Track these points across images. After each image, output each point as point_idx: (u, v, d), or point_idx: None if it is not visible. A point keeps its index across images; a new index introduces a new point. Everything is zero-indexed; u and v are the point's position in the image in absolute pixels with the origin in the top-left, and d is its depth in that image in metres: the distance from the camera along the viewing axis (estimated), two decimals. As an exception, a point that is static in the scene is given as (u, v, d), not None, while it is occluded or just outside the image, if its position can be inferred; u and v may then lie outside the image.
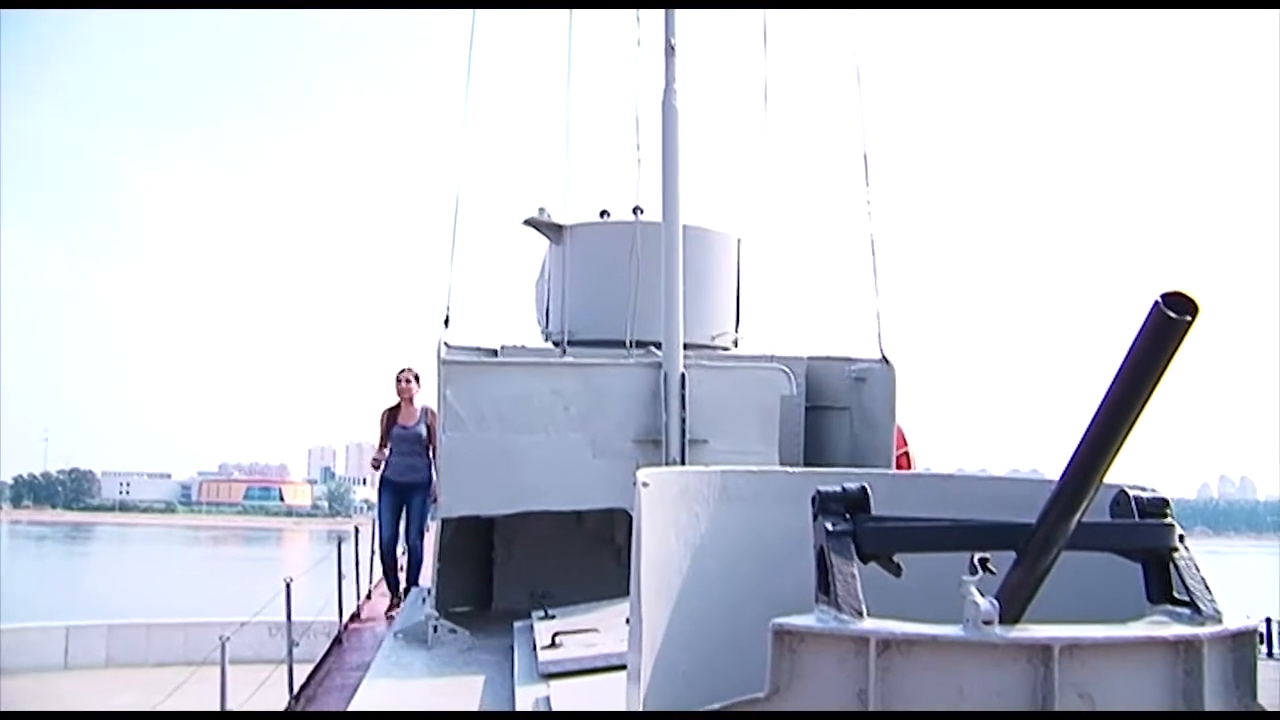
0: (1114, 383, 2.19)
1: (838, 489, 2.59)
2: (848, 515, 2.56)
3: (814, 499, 2.60)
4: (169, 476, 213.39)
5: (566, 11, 10.30)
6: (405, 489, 10.52)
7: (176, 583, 61.15)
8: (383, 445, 10.44)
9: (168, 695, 7.58)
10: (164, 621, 25.21)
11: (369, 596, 12.32)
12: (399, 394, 10.51)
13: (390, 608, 10.38)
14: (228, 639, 6.76)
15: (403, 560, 10.74)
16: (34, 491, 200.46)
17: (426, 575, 9.88)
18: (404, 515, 10.61)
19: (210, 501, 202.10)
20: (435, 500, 10.09)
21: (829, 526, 2.53)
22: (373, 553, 11.48)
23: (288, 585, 8.46)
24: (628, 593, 7.04)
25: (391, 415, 10.54)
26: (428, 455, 10.43)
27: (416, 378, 10.54)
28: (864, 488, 2.59)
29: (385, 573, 10.82)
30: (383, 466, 10.62)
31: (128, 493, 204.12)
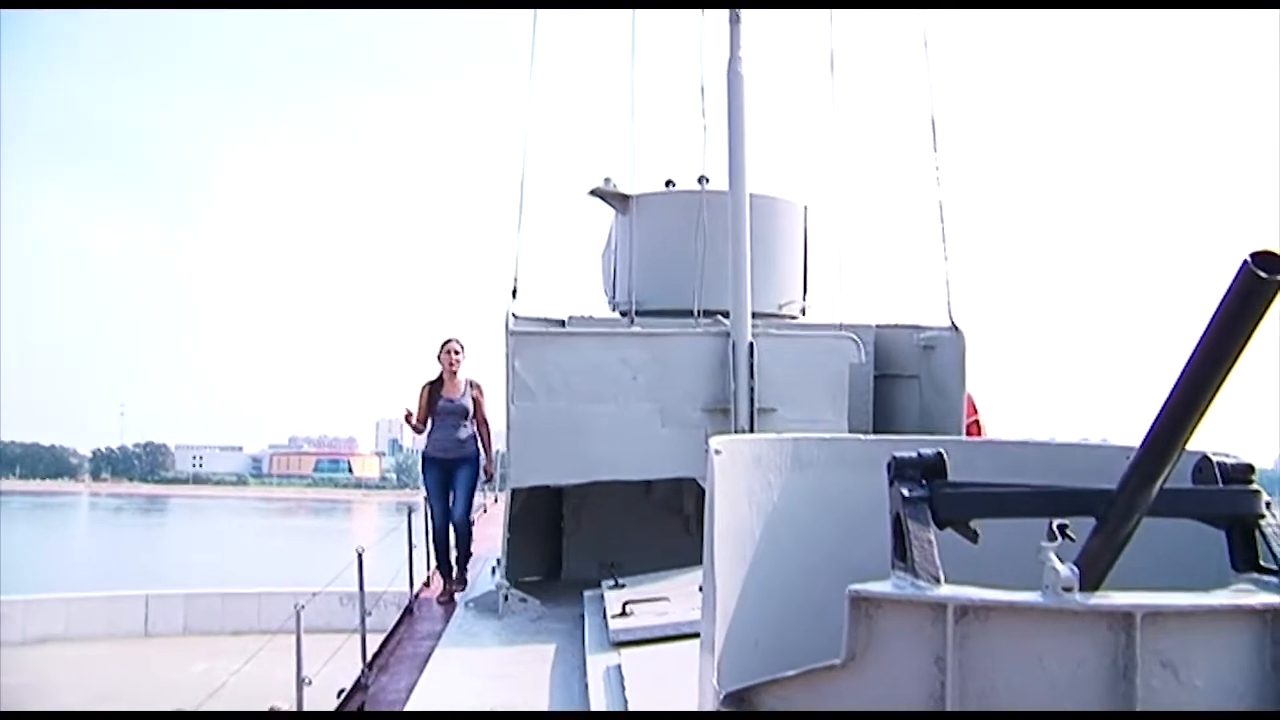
0: (1199, 345, 2.14)
1: (914, 454, 2.56)
2: (924, 481, 2.53)
3: (890, 464, 2.57)
4: (240, 449, 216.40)
5: None
6: (450, 465, 9.87)
7: (249, 554, 62.10)
8: (422, 419, 9.87)
9: (244, 663, 7.68)
10: (238, 591, 25.66)
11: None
12: (444, 365, 9.85)
13: (443, 593, 9.83)
14: (302, 607, 6.83)
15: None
16: (111, 464, 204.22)
17: (491, 548, 9.95)
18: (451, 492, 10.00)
19: (281, 474, 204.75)
20: (488, 477, 10.15)
21: (905, 492, 2.50)
22: (426, 533, 10.91)
23: (360, 555, 8.53)
24: (697, 562, 7.05)
25: (433, 388, 9.89)
26: (474, 429, 9.90)
27: (462, 348, 9.95)
28: (940, 453, 2.56)
29: (438, 557, 10.21)
30: (425, 443, 10.08)
31: (201, 466, 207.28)
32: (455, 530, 9.90)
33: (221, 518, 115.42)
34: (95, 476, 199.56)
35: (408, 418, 9.96)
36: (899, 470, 2.55)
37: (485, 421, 9.91)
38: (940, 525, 2.49)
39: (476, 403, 9.82)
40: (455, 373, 9.80)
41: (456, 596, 9.46)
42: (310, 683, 6.74)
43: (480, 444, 9.90)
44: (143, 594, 24.92)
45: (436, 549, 10.20)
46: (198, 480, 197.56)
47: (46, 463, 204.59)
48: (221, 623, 23.73)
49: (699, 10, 9.35)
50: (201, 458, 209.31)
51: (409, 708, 5.62)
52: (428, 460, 10.03)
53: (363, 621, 8.04)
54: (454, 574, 9.92)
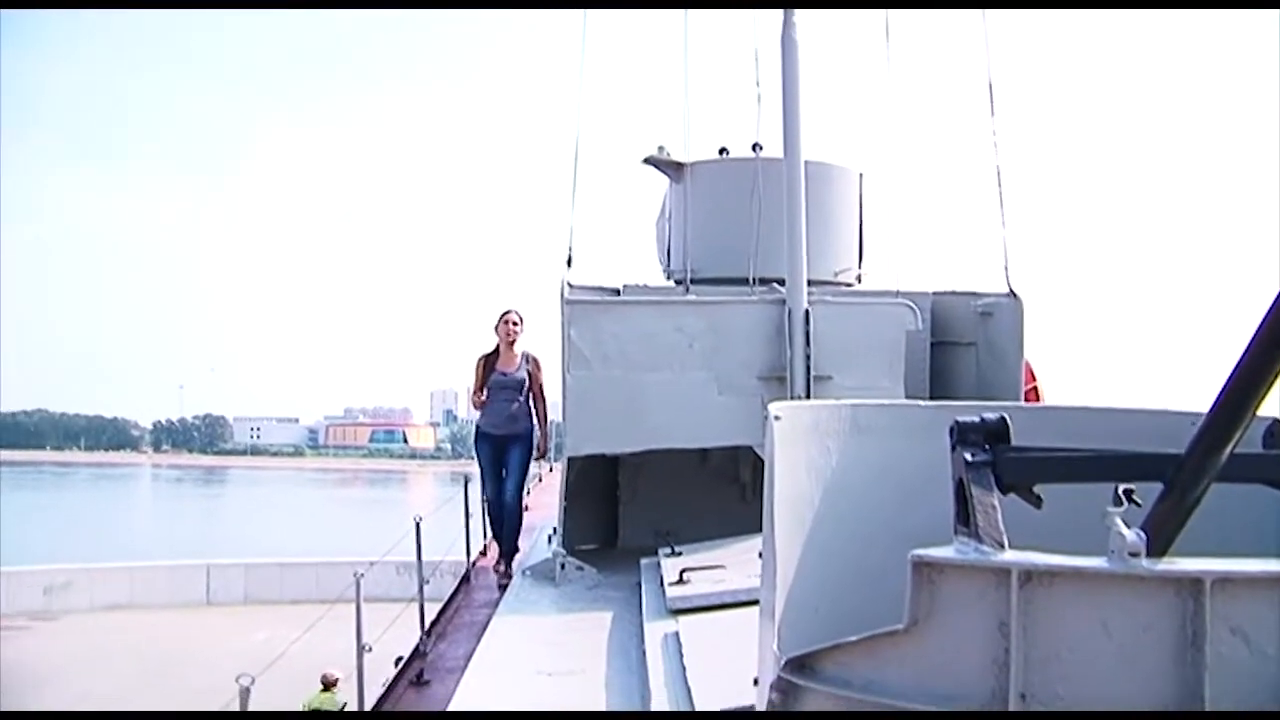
0: (1273, 307, 2.09)
1: (977, 419, 2.53)
2: (987, 446, 2.51)
3: (952, 429, 2.54)
4: (297, 421, 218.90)
5: None
6: (502, 441, 9.59)
7: (306, 524, 62.86)
8: (478, 392, 9.60)
9: (304, 631, 7.76)
10: (297, 561, 26.05)
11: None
12: (502, 336, 9.53)
13: (496, 564, 9.80)
14: (362, 575, 6.89)
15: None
16: (171, 436, 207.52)
17: (546, 516, 9.98)
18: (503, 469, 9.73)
19: (337, 445, 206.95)
20: (540, 454, 9.91)
21: (968, 457, 2.48)
22: (482, 508, 10.67)
23: (417, 524, 8.58)
24: (753, 530, 7.05)
25: (489, 361, 9.59)
26: (529, 404, 9.66)
27: (520, 319, 9.60)
28: (1003, 417, 2.53)
29: (494, 531, 10.12)
30: (480, 416, 9.83)
31: (258, 437, 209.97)
32: (505, 510, 9.71)
33: (279, 489, 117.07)
34: (156, 448, 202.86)
35: (476, 401, 9.67)
36: (962, 435, 2.52)
37: (542, 396, 9.67)
38: (1003, 490, 2.46)
39: (533, 377, 9.55)
40: (513, 344, 9.50)
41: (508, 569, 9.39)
42: (370, 649, 6.80)
43: (535, 419, 9.69)
44: (204, 564, 25.39)
45: (492, 524, 10.14)
46: (255, 452, 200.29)
47: (109, 435, 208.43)
48: (281, 592, 24.11)
49: None
50: (259, 429, 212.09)
51: (468, 674, 5.66)
52: (480, 435, 9.77)
53: (421, 590, 8.10)
54: (501, 552, 9.83)
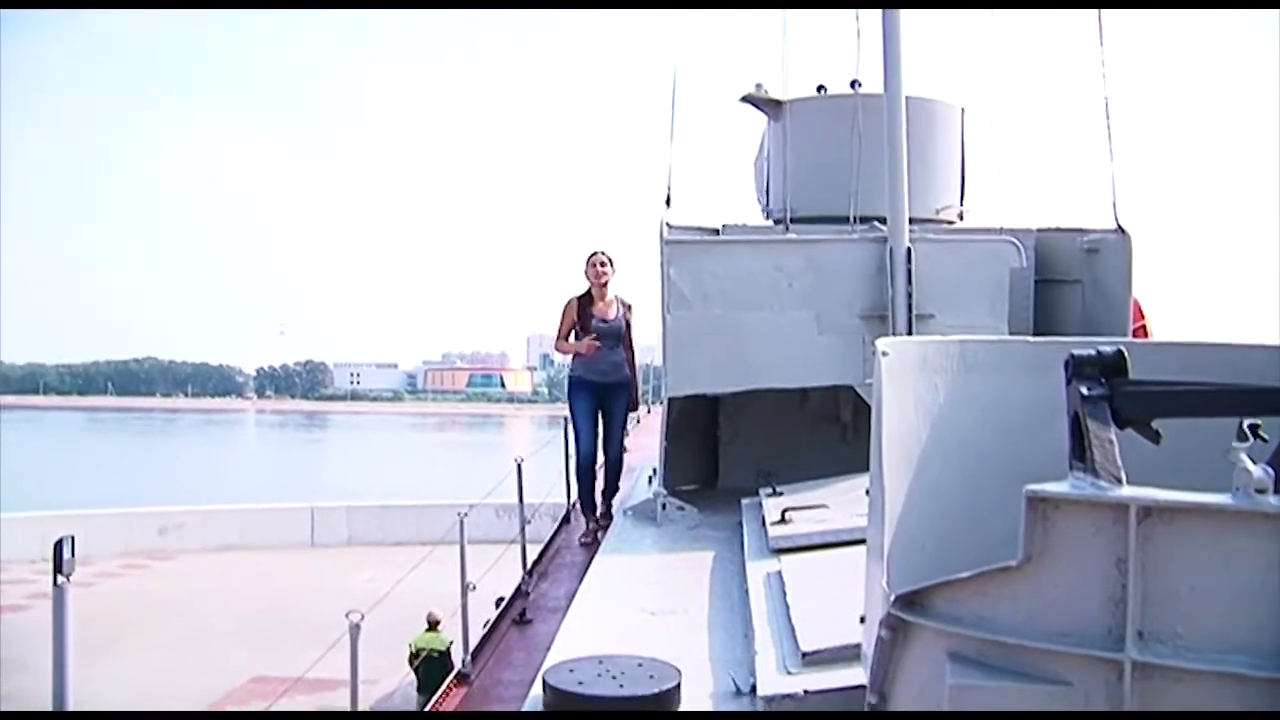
0: None
1: (1093, 352, 2.47)
2: (1103, 380, 2.44)
3: (1068, 362, 2.48)
4: (396, 366, 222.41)
5: None
6: (604, 390, 9.02)
7: (406, 468, 63.84)
8: (565, 337, 9.01)
9: (408, 571, 7.89)
10: (398, 504, 26.48)
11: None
12: (592, 279, 8.96)
13: (585, 533, 9.10)
14: (465, 515, 6.97)
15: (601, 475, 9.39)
16: (274, 382, 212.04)
17: (646, 458, 9.97)
18: (601, 421, 9.12)
19: (435, 389, 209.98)
20: (634, 406, 9.40)
21: (1084, 391, 2.42)
22: (568, 465, 9.85)
23: (519, 465, 8.64)
24: (854, 470, 7.02)
25: (582, 304, 8.99)
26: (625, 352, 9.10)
27: (610, 261, 9.04)
28: (1121, 350, 2.46)
29: (580, 493, 9.31)
30: (573, 364, 9.19)
31: (358, 382, 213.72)
32: (607, 463, 9.19)
33: (378, 433, 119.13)
34: (260, 394, 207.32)
35: (588, 349, 8.87)
36: (1078, 368, 2.46)
37: (633, 346, 9.18)
38: (1120, 425, 2.40)
39: (628, 323, 9.05)
40: (604, 288, 8.96)
41: (600, 536, 8.46)
42: (475, 588, 6.89)
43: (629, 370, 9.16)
44: (308, 506, 25.94)
45: (580, 483, 9.29)
46: (355, 397, 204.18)
47: (215, 381, 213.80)
48: (383, 534, 24.57)
49: None
50: (359, 375, 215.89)
51: (571, 612, 5.70)
52: (578, 384, 9.10)
53: (522, 529, 8.18)
54: (598, 511, 9.13)
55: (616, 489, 9.26)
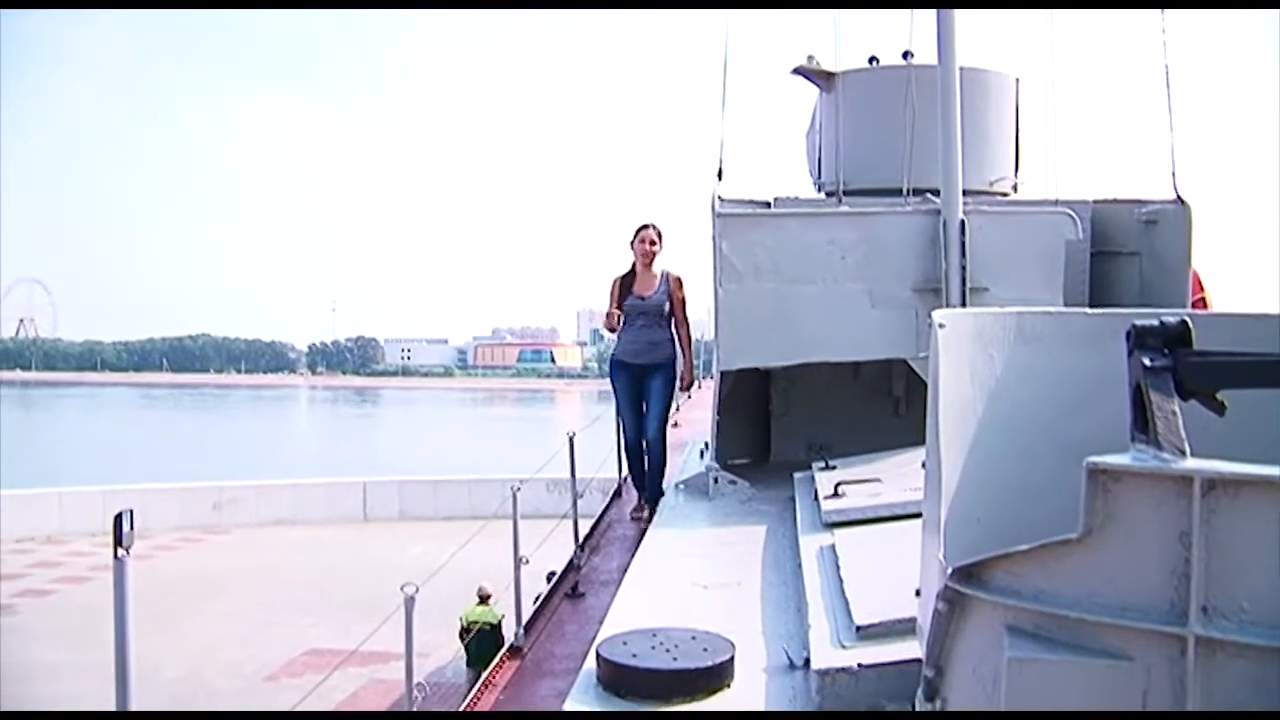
0: None
1: (1156, 322, 2.42)
2: (1166, 350, 2.40)
3: (1129, 333, 2.44)
4: (446, 342, 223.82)
5: None
6: (641, 370, 8.74)
7: (457, 443, 64.27)
8: (614, 318, 8.75)
9: (461, 546, 7.92)
10: (449, 478, 26.59)
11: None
12: (638, 255, 8.67)
13: (637, 507, 8.99)
14: (518, 488, 6.97)
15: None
16: (326, 359, 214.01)
17: (697, 432, 9.94)
18: (642, 403, 8.85)
19: (485, 365, 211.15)
20: (686, 385, 9.19)
21: (1147, 361, 2.37)
22: (618, 448, 9.61)
23: (570, 439, 8.64)
24: (907, 444, 6.99)
25: (625, 283, 8.71)
26: (670, 330, 8.80)
27: (659, 236, 8.72)
28: (1185, 320, 2.42)
29: (630, 470, 9.17)
30: (616, 342, 9.00)
31: (409, 358, 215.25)
32: (648, 446, 8.85)
33: (429, 408, 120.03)
34: (312, 370, 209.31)
35: (609, 322, 8.84)
36: (1140, 338, 2.42)
37: (685, 320, 8.88)
38: (1184, 396, 2.36)
39: (673, 298, 8.71)
40: (650, 264, 8.66)
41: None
42: (528, 562, 6.91)
43: (678, 347, 8.85)
44: (360, 481, 26.15)
45: (629, 463, 9.15)
46: (406, 372, 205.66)
47: (267, 358, 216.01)
48: (434, 508, 24.70)
49: None
50: (410, 350, 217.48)
51: (624, 586, 5.71)
52: (616, 364, 8.94)
53: (574, 503, 8.18)
54: (645, 499, 8.85)
55: (660, 474, 8.88)
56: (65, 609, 16.55)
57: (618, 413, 9.06)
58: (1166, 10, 8.45)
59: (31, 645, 14.41)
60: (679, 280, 8.75)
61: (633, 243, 8.73)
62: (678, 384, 8.90)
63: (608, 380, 9.19)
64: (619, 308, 8.68)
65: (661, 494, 8.64)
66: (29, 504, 22.66)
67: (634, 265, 8.72)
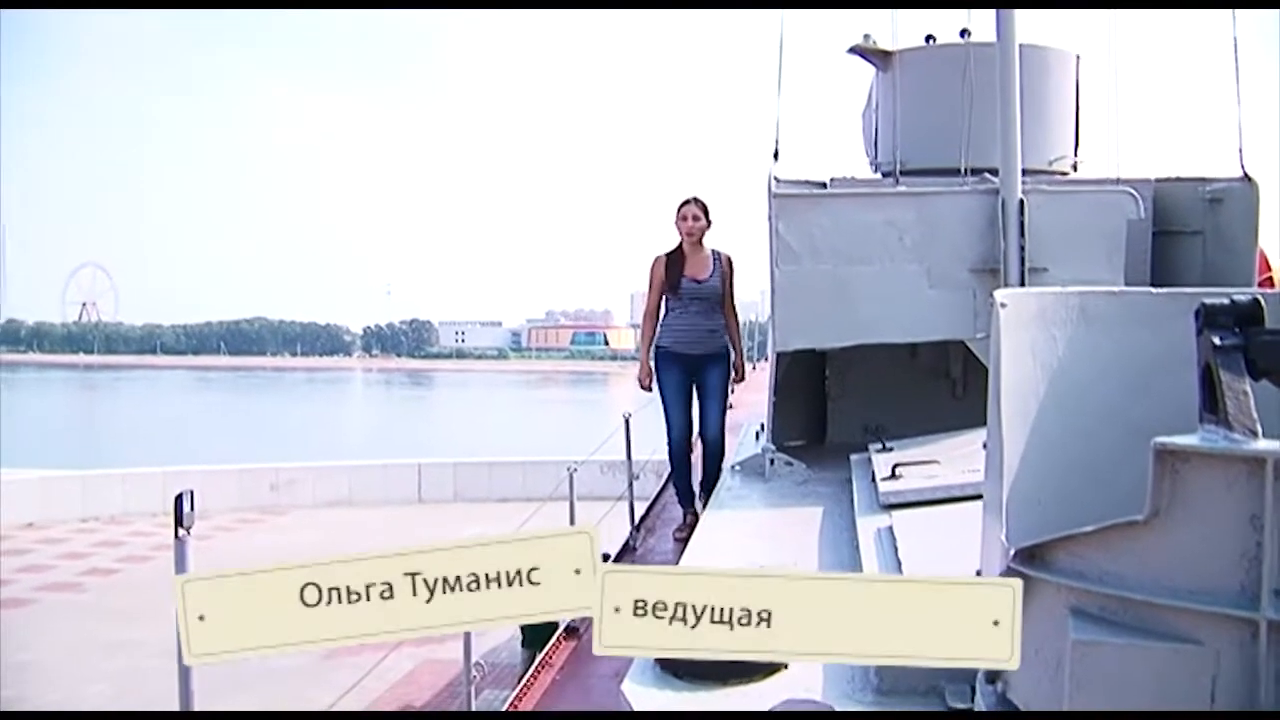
0: None
1: (1226, 301, 2.38)
2: (1237, 329, 2.35)
3: (1198, 311, 2.40)
4: (500, 324, 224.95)
5: None
6: (696, 362, 8.03)
7: (511, 425, 64.56)
8: (656, 304, 8.10)
9: (517, 528, 7.95)
10: (504, 460, 26.70)
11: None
12: (682, 233, 7.97)
13: (680, 526, 8.08)
14: (575, 470, 7.00)
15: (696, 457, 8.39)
16: (380, 341, 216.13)
17: (752, 414, 9.90)
18: (696, 398, 8.16)
19: (539, 347, 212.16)
20: (739, 378, 8.58)
21: (1217, 340, 2.33)
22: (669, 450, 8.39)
23: (627, 420, 8.65)
24: (964, 425, 6.92)
25: (670, 263, 7.99)
26: (724, 317, 8.19)
27: (705, 210, 8.03)
28: (1257, 299, 2.37)
29: (675, 482, 8.33)
30: (656, 331, 8.13)
31: (463, 340, 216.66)
32: (705, 447, 8.21)
33: (483, 390, 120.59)
34: (367, 352, 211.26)
35: (645, 382, 8.09)
36: (1209, 317, 2.37)
37: (734, 308, 8.33)
38: (1255, 376, 2.32)
39: (726, 282, 8.12)
40: (698, 243, 8.01)
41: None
42: (586, 542, 6.90)
43: (729, 336, 8.25)
44: (415, 463, 26.28)
45: (674, 470, 8.33)
46: (460, 355, 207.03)
47: (323, 340, 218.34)
48: (489, 490, 24.79)
49: None
50: (463, 333, 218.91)
51: (680, 566, 5.71)
52: (665, 355, 8.04)
53: (630, 484, 8.19)
54: (694, 500, 8.10)
55: (718, 476, 8.12)
56: (130, 587, 16.76)
57: (665, 411, 8.21)
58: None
59: (102, 622, 14.62)
60: (730, 261, 8.15)
61: (676, 219, 8.03)
62: (732, 376, 8.33)
63: (662, 363, 8.30)
64: (671, 292, 7.97)
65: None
66: (93, 484, 22.96)
67: (680, 245, 8.03)
